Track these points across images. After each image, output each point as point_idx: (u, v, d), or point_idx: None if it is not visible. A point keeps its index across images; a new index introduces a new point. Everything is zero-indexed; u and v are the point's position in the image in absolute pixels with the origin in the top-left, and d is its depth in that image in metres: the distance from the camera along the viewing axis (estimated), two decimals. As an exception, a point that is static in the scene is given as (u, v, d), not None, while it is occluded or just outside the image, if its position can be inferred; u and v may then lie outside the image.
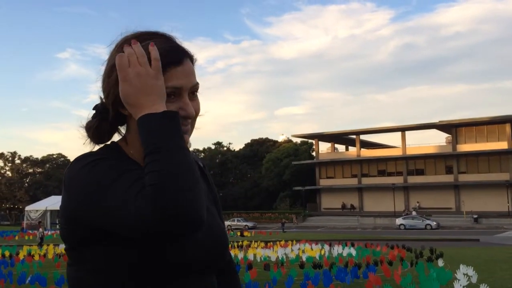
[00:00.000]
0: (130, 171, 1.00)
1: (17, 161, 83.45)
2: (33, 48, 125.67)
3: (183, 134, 1.03)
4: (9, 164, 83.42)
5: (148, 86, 1.00)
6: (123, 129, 1.19)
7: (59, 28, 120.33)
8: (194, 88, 1.12)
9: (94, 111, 1.15)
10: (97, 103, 1.15)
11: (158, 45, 1.05)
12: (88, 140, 1.16)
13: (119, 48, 1.08)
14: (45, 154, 79.90)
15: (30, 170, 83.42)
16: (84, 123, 1.16)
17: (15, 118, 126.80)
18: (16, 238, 36.74)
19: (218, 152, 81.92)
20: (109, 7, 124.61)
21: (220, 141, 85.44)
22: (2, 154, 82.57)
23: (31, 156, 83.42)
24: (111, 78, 1.08)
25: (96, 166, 1.02)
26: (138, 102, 1.00)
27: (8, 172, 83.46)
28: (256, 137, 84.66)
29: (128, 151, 1.14)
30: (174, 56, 1.07)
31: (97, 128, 1.14)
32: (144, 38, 1.08)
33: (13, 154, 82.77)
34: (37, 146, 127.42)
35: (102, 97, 1.13)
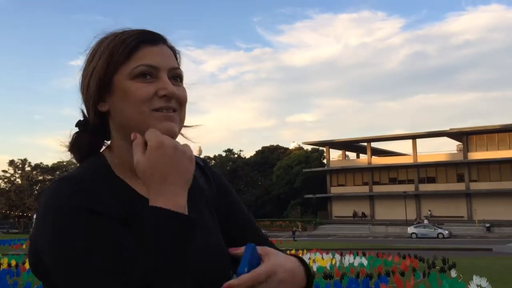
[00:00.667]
0: (108, 234, 0.87)
1: (27, 168, 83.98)
2: (46, 55, 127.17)
3: (171, 121, 0.97)
4: (19, 172, 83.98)
5: (181, 165, 0.89)
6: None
7: (72, 35, 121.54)
8: (175, 72, 1.02)
9: (76, 128, 1.09)
10: (79, 119, 1.09)
11: (130, 31, 1.02)
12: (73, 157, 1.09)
13: (91, 49, 1.05)
14: (55, 161, 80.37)
15: (40, 178, 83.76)
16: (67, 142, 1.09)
17: (27, 126, 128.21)
18: (24, 246, 35.73)
19: (229, 160, 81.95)
20: (122, 14, 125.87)
21: (231, 148, 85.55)
22: (13, 161, 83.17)
23: (41, 163, 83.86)
24: (88, 68, 1.02)
25: (72, 219, 0.88)
26: (161, 178, 0.88)
27: (18, 180, 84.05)
28: (267, 144, 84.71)
29: (113, 161, 1.04)
30: (148, 36, 1.01)
31: (79, 145, 1.07)
32: (112, 33, 1.04)
33: (24, 161, 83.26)
34: (49, 153, 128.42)
35: (84, 109, 1.07)
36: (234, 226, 1.16)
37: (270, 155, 79.53)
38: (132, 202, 0.98)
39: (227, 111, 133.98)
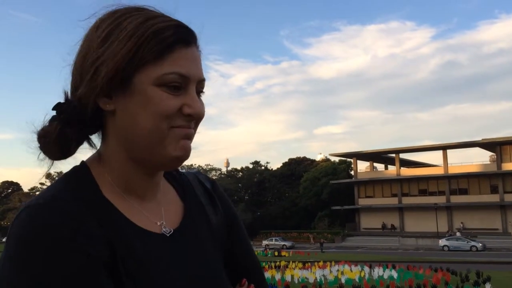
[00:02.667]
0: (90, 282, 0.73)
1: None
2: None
3: (188, 139, 0.83)
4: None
5: None
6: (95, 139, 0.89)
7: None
8: (201, 85, 0.85)
9: (54, 113, 0.83)
10: (59, 102, 0.83)
11: (162, 19, 0.81)
12: (42, 155, 0.83)
13: (101, 22, 0.83)
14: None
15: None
16: (37, 129, 0.83)
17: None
18: None
19: (256, 171, 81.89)
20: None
21: (259, 160, 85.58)
22: (50, 174, 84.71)
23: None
24: (99, 49, 0.79)
25: (49, 263, 0.71)
26: None
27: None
28: (294, 156, 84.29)
29: (104, 178, 0.85)
30: (184, 34, 0.82)
31: (59, 136, 0.81)
32: (132, 10, 0.83)
33: (60, 174, 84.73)
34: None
35: (68, 91, 0.84)
36: (237, 263, 1.01)
37: (296, 167, 79.14)
38: (121, 232, 0.81)
39: (255, 124, 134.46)
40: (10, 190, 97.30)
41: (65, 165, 0.85)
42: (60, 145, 0.82)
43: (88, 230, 0.75)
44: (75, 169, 0.85)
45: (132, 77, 0.79)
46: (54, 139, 0.81)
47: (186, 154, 0.82)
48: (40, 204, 0.75)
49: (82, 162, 0.87)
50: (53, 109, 0.83)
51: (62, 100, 0.84)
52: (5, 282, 0.71)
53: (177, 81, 0.79)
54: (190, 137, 0.83)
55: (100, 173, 0.85)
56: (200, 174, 1.07)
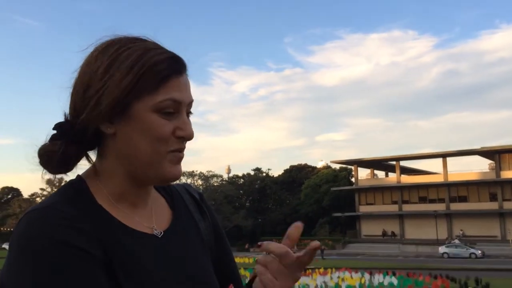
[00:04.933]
0: (89, 280, 0.80)
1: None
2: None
3: (180, 163, 0.93)
4: (55, 190, 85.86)
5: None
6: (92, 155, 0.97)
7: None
8: (190, 106, 0.95)
9: (54, 132, 0.92)
10: (60, 121, 0.93)
11: (156, 52, 0.91)
12: (43, 170, 0.92)
13: (100, 53, 0.91)
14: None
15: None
16: (38, 147, 0.92)
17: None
18: None
19: (257, 178, 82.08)
20: (155, 34, 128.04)
21: (260, 167, 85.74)
22: (50, 180, 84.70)
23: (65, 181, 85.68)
24: (102, 78, 0.88)
25: (50, 261, 0.78)
26: None
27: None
28: (295, 163, 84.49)
29: (98, 189, 0.93)
30: (178, 65, 0.92)
31: (63, 153, 0.90)
32: (128, 42, 0.92)
33: (60, 180, 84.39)
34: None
35: (67, 113, 0.93)
36: (221, 270, 1.08)
37: (297, 174, 79.38)
38: (115, 233, 0.89)
39: (257, 131, 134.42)
40: (10, 196, 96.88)
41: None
42: (63, 162, 0.91)
43: (83, 230, 0.83)
44: (71, 181, 0.94)
45: (131, 105, 0.88)
46: (59, 158, 0.90)
47: (178, 176, 0.93)
48: (38, 209, 0.83)
49: (78, 175, 0.95)
50: (54, 129, 0.91)
51: (59, 118, 0.94)
52: (10, 283, 0.79)
53: (171, 106, 0.89)
54: (181, 161, 0.94)
55: (95, 185, 0.93)
56: (189, 186, 1.16)
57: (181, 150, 0.92)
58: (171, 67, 0.90)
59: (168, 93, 0.89)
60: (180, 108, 0.91)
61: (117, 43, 0.91)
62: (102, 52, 0.91)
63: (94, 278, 0.80)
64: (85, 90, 0.89)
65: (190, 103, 0.93)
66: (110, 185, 0.93)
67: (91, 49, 0.92)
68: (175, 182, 0.99)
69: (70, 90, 0.92)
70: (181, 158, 0.93)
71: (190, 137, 0.92)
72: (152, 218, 0.97)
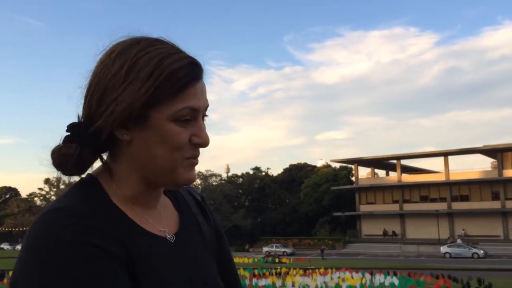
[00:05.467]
0: (108, 279, 0.79)
1: (62, 186, 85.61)
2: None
3: (194, 171, 0.93)
4: (54, 189, 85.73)
5: None
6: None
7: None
8: (206, 110, 0.93)
9: (68, 134, 0.91)
10: (73, 122, 0.91)
11: (175, 58, 0.88)
12: (56, 171, 0.91)
13: (117, 56, 0.88)
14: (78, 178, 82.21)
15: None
16: (51, 149, 0.90)
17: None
18: (5, 282, 34.08)
19: (257, 177, 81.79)
20: (155, 33, 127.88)
21: (259, 166, 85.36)
22: (48, 179, 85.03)
23: (75, 181, 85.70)
24: (121, 85, 0.86)
25: (69, 258, 0.77)
26: None
27: (53, 197, 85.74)
28: (295, 162, 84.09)
29: (112, 189, 0.92)
30: (196, 71, 0.90)
31: (79, 156, 0.89)
32: (147, 45, 0.89)
33: (58, 179, 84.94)
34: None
35: (81, 116, 0.91)
36: (222, 272, 1.08)
37: (297, 173, 79.05)
38: (132, 235, 0.89)
39: (257, 130, 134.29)
40: (8, 196, 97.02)
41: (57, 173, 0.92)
42: (78, 165, 0.90)
43: (103, 230, 0.83)
44: (84, 180, 0.93)
45: (148, 113, 0.86)
46: (74, 162, 0.89)
47: (192, 181, 0.94)
48: (56, 209, 0.82)
49: (89, 174, 0.94)
50: (67, 130, 0.90)
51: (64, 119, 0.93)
52: (26, 277, 0.78)
53: (188, 114, 0.88)
54: (195, 167, 0.94)
55: (109, 185, 0.92)
56: (191, 188, 1.14)
57: (196, 156, 0.92)
58: (189, 74, 0.88)
59: (186, 101, 0.87)
60: (197, 115, 0.90)
61: (135, 46, 0.89)
62: (119, 54, 0.88)
63: (116, 278, 0.80)
64: (101, 96, 0.88)
65: (206, 107, 0.93)
66: (124, 187, 0.93)
67: (106, 49, 0.91)
68: None
69: (84, 91, 0.91)
70: (195, 164, 0.93)
71: (205, 144, 0.92)
72: (162, 220, 0.98)
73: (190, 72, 0.88)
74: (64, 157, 0.89)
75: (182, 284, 0.91)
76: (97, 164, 0.95)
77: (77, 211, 0.82)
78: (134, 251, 0.86)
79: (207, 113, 0.93)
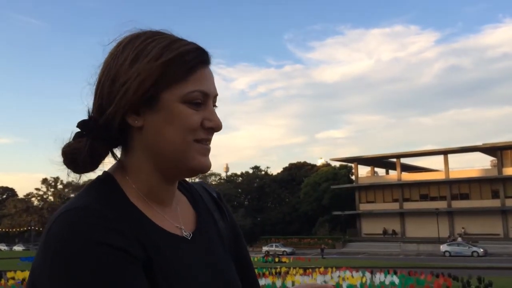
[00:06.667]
0: (126, 278, 0.78)
1: (60, 186, 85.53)
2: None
3: (207, 155, 0.92)
4: (52, 189, 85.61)
5: None
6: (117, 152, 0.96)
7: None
8: (215, 100, 0.95)
9: (78, 130, 0.90)
10: (83, 119, 0.90)
11: (182, 43, 0.90)
12: (67, 169, 0.89)
13: (125, 46, 0.90)
14: (86, 179, 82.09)
15: (72, 195, 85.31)
16: (62, 146, 0.89)
17: (60, 144, 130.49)
18: None
19: (256, 177, 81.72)
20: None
21: (259, 165, 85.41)
22: (46, 179, 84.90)
23: (72, 181, 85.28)
24: (130, 69, 0.86)
25: (86, 257, 0.76)
26: None
27: (50, 197, 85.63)
28: (295, 161, 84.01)
29: (128, 186, 0.91)
30: (204, 56, 0.92)
31: (89, 150, 0.88)
32: (153, 34, 0.91)
33: (56, 179, 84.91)
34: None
35: (91, 110, 0.91)
36: (240, 272, 1.06)
37: (297, 172, 78.99)
38: (150, 234, 0.88)
39: (257, 128, 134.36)
40: (5, 196, 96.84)
41: (64, 172, 0.91)
42: (89, 160, 0.89)
43: (122, 231, 0.81)
44: (100, 178, 0.91)
45: (159, 95, 0.87)
46: (85, 156, 0.88)
47: (208, 168, 0.92)
48: (74, 210, 0.81)
49: (105, 172, 0.93)
50: (77, 126, 0.89)
51: (75, 116, 0.92)
52: (47, 278, 0.77)
53: (199, 98, 0.89)
54: (208, 153, 0.93)
55: (125, 182, 0.91)
56: (206, 184, 1.14)
57: (208, 140, 0.92)
58: (198, 58, 0.90)
59: (197, 84, 0.88)
60: (207, 100, 0.91)
61: (142, 36, 0.91)
62: (127, 44, 0.90)
63: (136, 279, 0.79)
64: (111, 83, 0.88)
65: (215, 96, 0.94)
66: (138, 181, 0.92)
67: (114, 44, 0.92)
68: (191, 179, 1.02)
69: (94, 86, 0.92)
70: (208, 150, 0.93)
71: (218, 127, 0.92)
72: (178, 217, 0.97)
73: (198, 56, 0.90)
74: (76, 151, 0.88)
75: (201, 282, 0.90)
76: (111, 163, 0.95)
77: (96, 212, 0.81)
78: (152, 250, 0.85)
79: (217, 104, 0.94)
